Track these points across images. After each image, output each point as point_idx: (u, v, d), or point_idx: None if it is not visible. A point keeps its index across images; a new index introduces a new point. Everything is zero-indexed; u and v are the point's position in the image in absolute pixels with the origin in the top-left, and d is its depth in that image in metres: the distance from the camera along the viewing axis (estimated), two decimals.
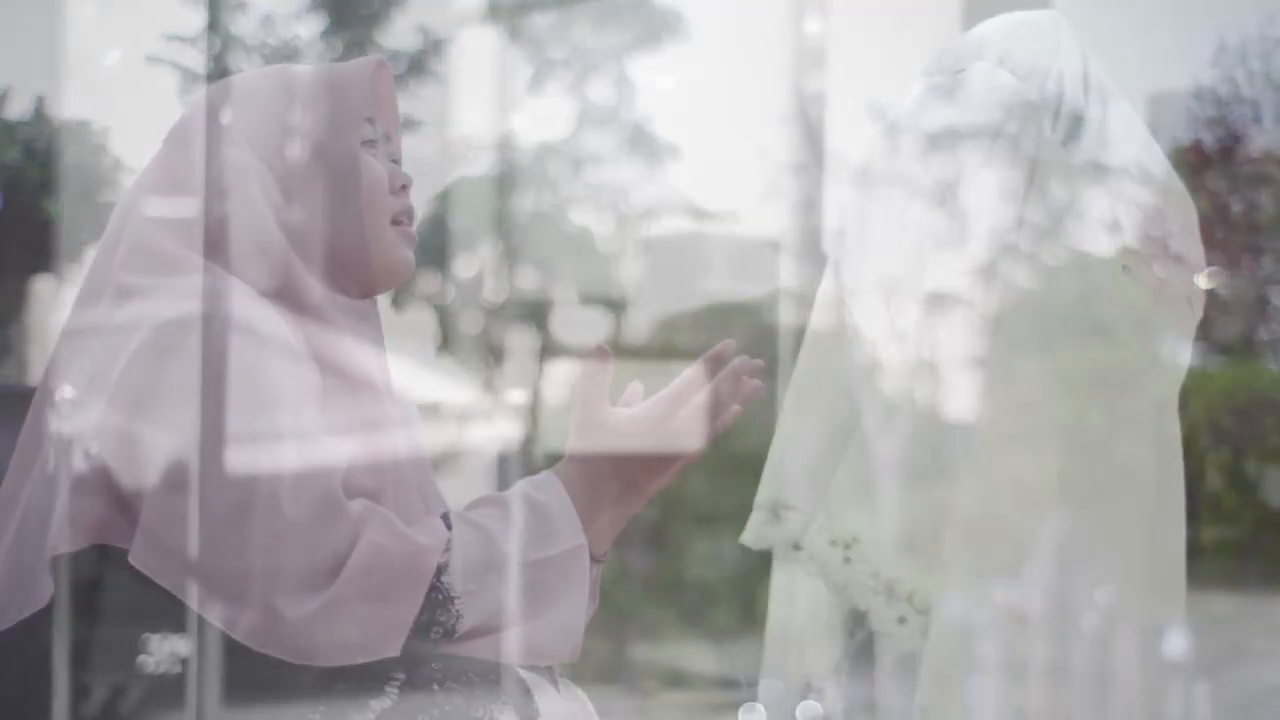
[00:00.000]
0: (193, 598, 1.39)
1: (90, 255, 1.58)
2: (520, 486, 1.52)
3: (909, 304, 2.10)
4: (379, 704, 1.42)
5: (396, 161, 1.63)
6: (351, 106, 1.56)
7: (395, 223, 1.60)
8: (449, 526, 1.47)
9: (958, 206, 2.09)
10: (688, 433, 1.52)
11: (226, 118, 1.55)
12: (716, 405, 1.52)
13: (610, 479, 1.52)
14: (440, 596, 1.43)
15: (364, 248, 1.57)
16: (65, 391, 1.48)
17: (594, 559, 1.53)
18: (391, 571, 1.41)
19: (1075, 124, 2.12)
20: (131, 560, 1.40)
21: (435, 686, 1.44)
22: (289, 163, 1.53)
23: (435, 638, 1.44)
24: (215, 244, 1.50)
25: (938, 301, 2.07)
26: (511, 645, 1.47)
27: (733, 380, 1.53)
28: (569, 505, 1.51)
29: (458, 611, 1.44)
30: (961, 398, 2.06)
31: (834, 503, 2.11)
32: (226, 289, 1.47)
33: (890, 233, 2.14)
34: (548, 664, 1.51)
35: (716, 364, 1.53)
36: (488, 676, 1.46)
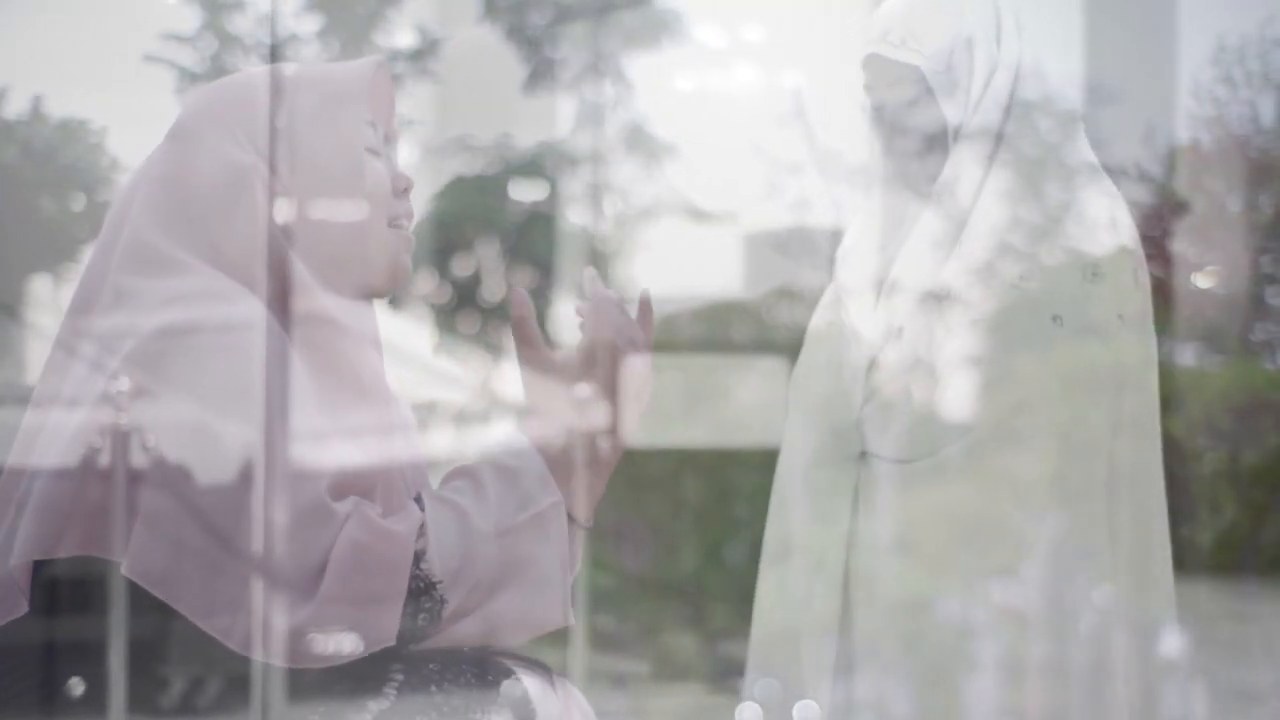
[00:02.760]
0: (187, 607, 1.39)
1: (87, 256, 1.58)
2: (490, 451, 1.52)
3: (905, 302, 2.09)
4: (377, 705, 1.42)
5: (394, 162, 1.63)
6: (352, 108, 1.56)
7: (394, 225, 1.59)
8: (423, 508, 1.47)
9: (955, 205, 2.08)
10: (625, 366, 1.53)
11: (227, 116, 1.55)
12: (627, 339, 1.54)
13: (573, 423, 1.52)
14: (421, 584, 1.43)
15: (364, 250, 1.56)
16: (61, 396, 1.48)
17: (574, 520, 1.53)
18: (372, 566, 1.41)
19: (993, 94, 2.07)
20: (125, 571, 1.40)
21: (433, 687, 1.43)
22: (289, 162, 1.53)
23: (423, 624, 1.44)
24: (214, 244, 1.50)
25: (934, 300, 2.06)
26: (500, 620, 1.47)
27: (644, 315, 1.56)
28: (540, 463, 1.51)
29: (441, 595, 1.44)
30: (959, 397, 2.06)
31: (827, 504, 2.11)
32: (221, 291, 1.47)
33: (884, 231, 2.14)
34: (541, 633, 1.51)
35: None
36: (485, 677, 1.46)
